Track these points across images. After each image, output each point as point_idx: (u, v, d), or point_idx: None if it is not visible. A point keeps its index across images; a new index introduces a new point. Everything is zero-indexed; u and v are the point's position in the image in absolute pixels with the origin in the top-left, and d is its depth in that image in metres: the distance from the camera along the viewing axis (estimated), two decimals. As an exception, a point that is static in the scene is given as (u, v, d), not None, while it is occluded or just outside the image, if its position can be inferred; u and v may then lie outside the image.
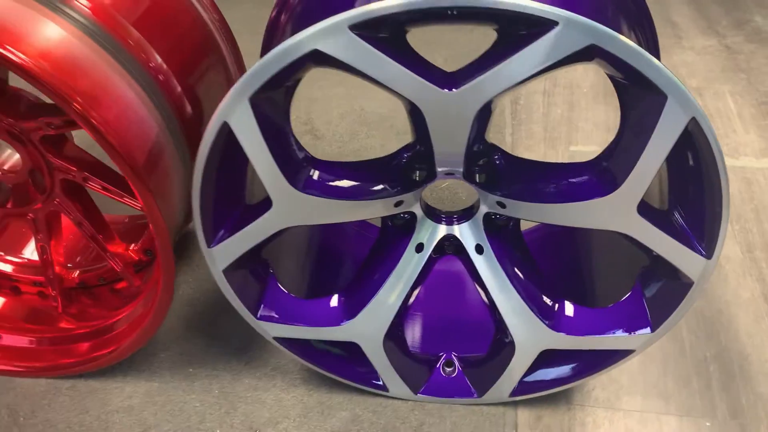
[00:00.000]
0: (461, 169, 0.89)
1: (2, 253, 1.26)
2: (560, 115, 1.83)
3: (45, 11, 0.92)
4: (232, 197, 0.93)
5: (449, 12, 0.71)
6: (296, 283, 1.07)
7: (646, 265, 0.95)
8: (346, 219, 0.93)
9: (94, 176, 1.05)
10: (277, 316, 1.03)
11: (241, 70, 1.19)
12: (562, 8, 0.69)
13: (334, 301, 1.03)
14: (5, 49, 0.81)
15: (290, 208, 0.88)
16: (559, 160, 1.67)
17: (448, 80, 0.76)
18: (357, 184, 0.91)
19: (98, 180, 1.05)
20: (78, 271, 1.22)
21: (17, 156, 1.15)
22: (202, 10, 1.14)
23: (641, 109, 0.77)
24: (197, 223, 0.92)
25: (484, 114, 0.80)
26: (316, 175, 0.89)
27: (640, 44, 0.80)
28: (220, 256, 0.95)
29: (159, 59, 1.01)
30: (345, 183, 0.91)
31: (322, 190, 0.89)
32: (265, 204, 0.90)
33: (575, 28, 0.70)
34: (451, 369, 1.12)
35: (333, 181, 0.90)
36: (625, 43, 0.70)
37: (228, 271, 0.97)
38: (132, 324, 1.09)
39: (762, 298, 1.27)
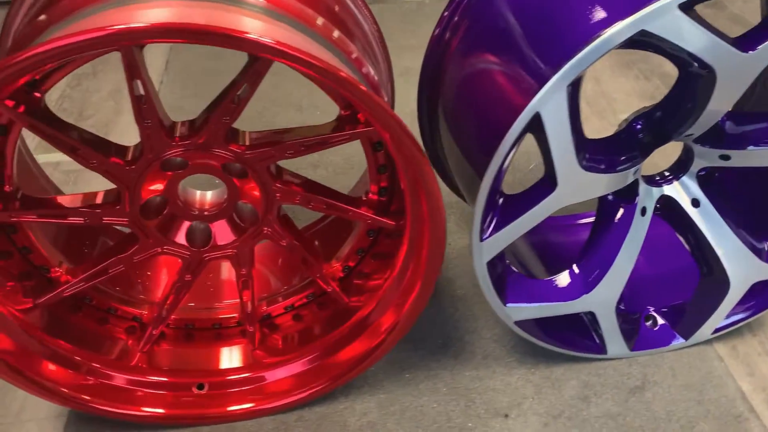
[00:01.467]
0: (701, 132, 0.99)
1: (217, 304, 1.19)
2: (592, 89, 1.97)
3: (273, 21, 0.90)
4: (498, 190, 0.97)
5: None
6: (529, 266, 1.11)
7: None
8: (603, 192, 1.00)
9: (318, 195, 1.04)
10: (521, 300, 1.07)
11: (387, 64, 1.22)
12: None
13: (569, 277, 1.09)
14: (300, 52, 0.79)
15: (572, 187, 0.94)
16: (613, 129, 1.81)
17: (743, 44, 0.85)
18: (615, 157, 0.98)
19: (321, 198, 1.04)
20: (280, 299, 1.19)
21: (208, 195, 1.09)
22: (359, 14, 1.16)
23: None
24: (477, 217, 0.94)
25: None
26: (587, 153, 0.95)
27: None
28: (488, 248, 0.98)
29: (356, 53, 1.02)
30: (608, 158, 0.97)
31: (593, 166, 0.95)
32: (546, 188, 0.94)
33: None
34: (651, 322, 1.21)
35: (599, 157, 0.96)
36: None
37: (489, 264, 1.00)
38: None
39: None
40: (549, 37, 0.90)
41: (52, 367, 1.05)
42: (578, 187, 0.95)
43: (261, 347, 1.16)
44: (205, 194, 1.10)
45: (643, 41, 0.83)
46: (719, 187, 1.10)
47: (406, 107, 1.35)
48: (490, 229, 0.97)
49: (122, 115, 1.87)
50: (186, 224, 1.06)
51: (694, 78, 0.89)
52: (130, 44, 0.82)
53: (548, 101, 0.84)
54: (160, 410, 1.10)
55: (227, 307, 1.22)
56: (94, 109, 1.90)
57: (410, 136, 0.87)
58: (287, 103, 1.81)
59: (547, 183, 0.93)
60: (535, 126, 0.87)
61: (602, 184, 0.98)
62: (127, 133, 1.78)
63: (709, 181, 1.10)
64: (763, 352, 1.22)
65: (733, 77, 0.87)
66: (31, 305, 1.05)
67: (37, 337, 1.05)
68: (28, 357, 1.02)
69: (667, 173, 1.10)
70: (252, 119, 0.94)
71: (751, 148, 1.02)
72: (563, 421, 1.11)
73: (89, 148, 0.93)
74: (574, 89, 0.86)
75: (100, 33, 0.75)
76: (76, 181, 1.66)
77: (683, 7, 0.80)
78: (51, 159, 1.75)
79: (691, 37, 0.82)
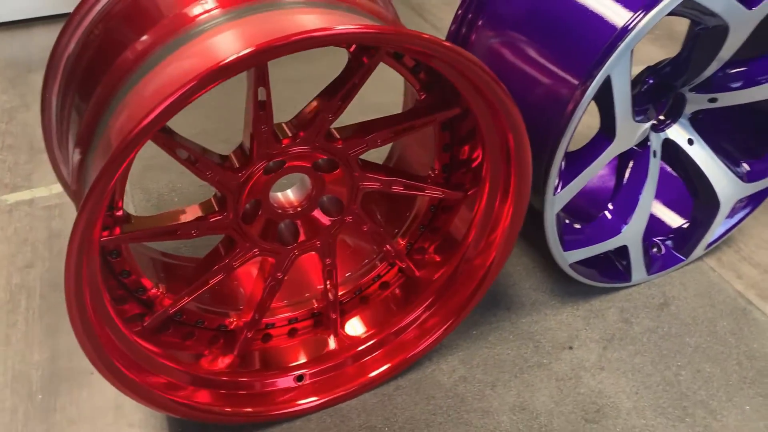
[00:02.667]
0: (701, 80, 1.20)
1: (285, 301, 1.22)
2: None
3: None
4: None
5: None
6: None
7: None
8: (638, 140, 1.18)
9: (397, 178, 1.13)
10: (576, 245, 1.24)
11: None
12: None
13: (607, 218, 1.27)
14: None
15: (625, 138, 1.11)
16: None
17: (747, 3, 1.06)
18: (641, 108, 1.17)
19: (401, 180, 1.13)
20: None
21: (290, 194, 1.14)
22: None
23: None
24: (553, 175, 1.09)
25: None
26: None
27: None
28: (559, 201, 1.13)
29: (383, 11, 1.09)
30: (641, 109, 1.16)
31: (639, 116, 1.13)
32: (605, 140, 1.11)
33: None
34: (656, 249, 1.43)
35: (639, 108, 1.14)
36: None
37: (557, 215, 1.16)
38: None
39: None
40: (604, 12, 1.05)
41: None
42: (628, 136, 1.12)
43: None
44: (287, 194, 1.15)
45: (683, 7, 1.01)
46: (707, 125, 1.33)
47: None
48: (560, 184, 1.12)
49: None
50: (275, 224, 1.11)
51: (709, 33, 1.10)
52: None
53: (617, 65, 1.00)
54: (261, 408, 1.13)
55: (296, 304, 1.27)
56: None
57: (495, 79, 0.94)
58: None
59: (606, 136, 1.10)
60: (603, 89, 1.03)
61: (639, 132, 1.16)
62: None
63: (696, 122, 1.32)
64: (741, 259, 1.48)
65: (739, 29, 1.09)
66: (140, 328, 1.05)
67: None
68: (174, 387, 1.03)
69: (664, 119, 1.31)
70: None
71: (733, 90, 1.25)
72: (616, 342, 1.30)
73: (206, 159, 0.96)
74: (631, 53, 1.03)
75: (253, 51, 0.78)
76: (62, 215, 1.60)
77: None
78: (23, 197, 1.67)
79: (717, 0, 1.02)
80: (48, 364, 1.24)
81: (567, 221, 1.24)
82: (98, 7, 1.04)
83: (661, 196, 1.44)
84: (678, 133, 1.31)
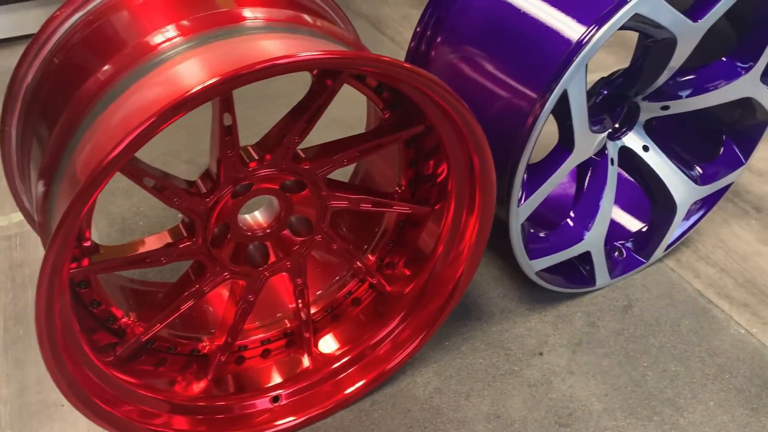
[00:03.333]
0: (653, 89, 1.25)
1: (258, 323, 1.22)
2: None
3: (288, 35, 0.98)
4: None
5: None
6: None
7: (737, 119, 1.41)
8: (596, 150, 1.22)
9: (365, 195, 1.14)
10: (541, 253, 1.27)
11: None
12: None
13: (569, 226, 1.31)
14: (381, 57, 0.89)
15: (583, 149, 1.14)
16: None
17: (692, 16, 1.11)
18: (597, 119, 1.21)
19: (369, 198, 1.15)
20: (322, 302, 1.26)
21: (258, 215, 1.15)
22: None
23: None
24: (517, 186, 1.12)
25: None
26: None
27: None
28: (524, 211, 1.16)
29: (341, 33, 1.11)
30: (599, 120, 1.19)
31: (597, 129, 1.17)
32: (564, 152, 1.14)
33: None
34: (618, 253, 1.47)
35: (595, 119, 1.18)
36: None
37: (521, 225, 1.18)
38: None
39: None
40: (558, 27, 1.08)
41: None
42: (586, 147, 1.16)
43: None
44: (256, 215, 1.15)
45: (634, 22, 1.05)
46: (661, 132, 1.37)
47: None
48: (524, 195, 1.14)
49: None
50: (244, 246, 1.11)
51: (658, 46, 1.14)
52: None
53: (573, 78, 1.03)
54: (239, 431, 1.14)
55: (269, 324, 1.27)
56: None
57: (456, 97, 0.96)
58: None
59: (565, 148, 1.13)
60: (561, 102, 1.06)
61: (596, 142, 1.20)
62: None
63: (652, 128, 1.37)
64: (699, 258, 1.53)
65: (687, 41, 1.13)
66: (112, 357, 1.04)
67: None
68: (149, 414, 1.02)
69: (620, 127, 1.36)
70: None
71: (684, 97, 1.29)
72: (584, 345, 1.33)
73: (173, 185, 0.96)
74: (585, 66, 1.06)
75: (219, 80, 0.79)
76: (23, 244, 1.57)
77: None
78: (-11, 224, 1.64)
79: (666, 14, 1.06)
80: (16, 398, 1.21)
81: (532, 230, 1.27)
82: (57, 36, 1.03)
83: (621, 201, 1.49)
84: (633, 141, 1.35)
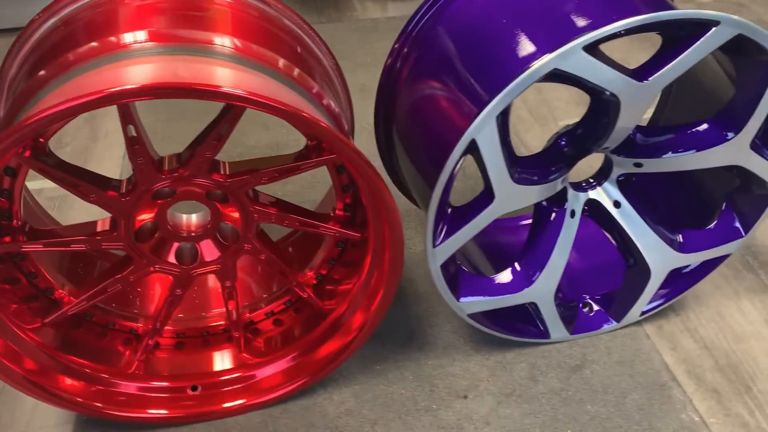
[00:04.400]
0: (615, 145, 1.16)
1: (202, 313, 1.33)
2: (534, 98, 2.15)
3: (242, 68, 1.05)
4: (447, 203, 1.13)
5: (641, 26, 0.98)
6: (478, 265, 1.28)
7: (736, 187, 1.28)
8: (536, 200, 1.17)
9: (290, 214, 1.19)
10: (472, 295, 1.24)
11: (346, 94, 1.36)
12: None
13: (512, 273, 1.26)
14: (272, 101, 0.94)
15: (507, 199, 1.10)
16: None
17: (639, 75, 1.03)
18: (544, 170, 1.15)
19: (295, 216, 1.19)
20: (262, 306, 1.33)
21: (193, 217, 1.24)
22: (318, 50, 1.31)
23: (757, 74, 1.09)
24: (429, 227, 1.10)
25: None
26: (518, 168, 1.12)
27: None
28: (441, 253, 1.14)
29: (316, 88, 1.17)
30: (539, 171, 1.14)
31: (525, 179, 1.12)
32: (485, 200, 1.11)
33: (730, 24, 1.00)
34: (588, 309, 1.39)
35: (530, 170, 1.13)
36: (759, 30, 1.02)
37: (443, 266, 1.16)
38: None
39: None
40: (481, 72, 1.06)
41: (68, 380, 1.18)
42: (512, 197, 1.11)
43: (247, 350, 1.30)
44: (191, 217, 1.24)
45: (559, 76, 1.00)
46: (636, 189, 1.28)
47: (363, 120, 1.51)
48: (442, 236, 1.13)
49: (98, 141, 1.99)
50: (175, 245, 1.20)
51: (603, 103, 1.07)
52: (124, 102, 0.96)
53: (482, 129, 1.00)
54: (162, 411, 1.24)
55: (214, 316, 1.36)
56: (71, 137, 2.01)
57: (368, 164, 1.03)
58: (256, 123, 1.95)
59: (487, 196, 1.10)
60: (473, 149, 1.03)
61: (534, 193, 1.15)
62: (104, 158, 1.91)
63: (627, 184, 1.27)
64: (684, 329, 1.41)
65: (633, 102, 1.05)
66: (39, 324, 1.18)
67: (51, 354, 1.18)
68: (46, 373, 1.16)
69: (591, 180, 1.28)
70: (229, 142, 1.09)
71: (659, 156, 1.19)
72: (514, 398, 1.28)
73: (88, 185, 1.07)
74: (503, 117, 1.03)
75: (98, 95, 0.88)
76: (60, 207, 1.78)
77: (587, 49, 0.97)
78: (34, 186, 1.87)
79: (596, 72, 0.99)
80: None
81: (466, 270, 1.25)
82: (35, 36, 1.18)
83: (597, 254, 1.40)
84: (603, 195, 1.27)
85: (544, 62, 0.96)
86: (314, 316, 1.29)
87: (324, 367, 1.26)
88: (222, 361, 1.30)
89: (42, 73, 1.05)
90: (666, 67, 1.02)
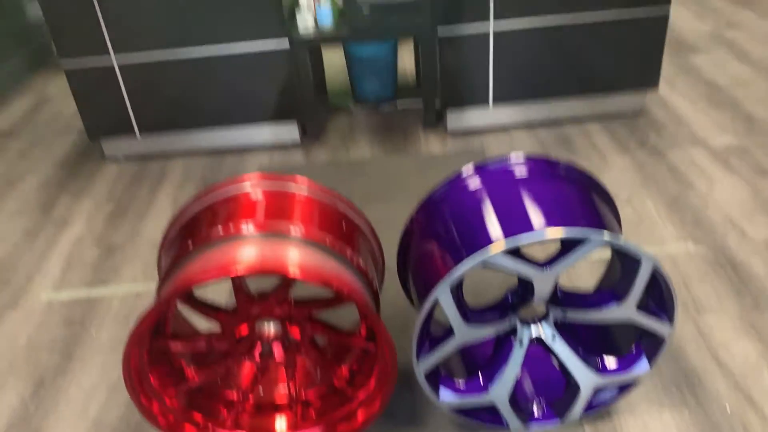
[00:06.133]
0: (544, 300, 1.76)
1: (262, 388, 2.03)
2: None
3: (305, 248, 1.75)
4: (426, 333, 1.76)
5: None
6: (453, 368, 1.90)
7: (640, 333, 1.83)
8: (491, 335, 1.78)
9: (328, 332, 1.86)
10: (450, 395, 1.85)
11: (381, 255, 2.04)
12: (590, 227, 1.58)
13: (476, 382, 1.86)
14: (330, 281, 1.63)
15: (464, 335, 1.73)
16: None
17: (544, 266, 1.64)
18: (496, 314, 1.77)
19: (332, 334, 1.86)
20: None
21: (271, 327, 1.94)
22: (359, 219, 2.00)
23: (628, 265, 1.67)
24: (414, 348, 1.74)
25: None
26: (473, 314, 1.74)
27: (619, 231, 1.71)
28: (423, 366, 1.77)
29: (354, 256, 1.85)
30: (487, 317, 1.76)
31: (476, 323, 1.74)
32: (449, 334, 1.73)
33: (597, 240, 1.59)
34: (539, 409, 1.95)
35: (482, 316, 1.75)
36: (625, 244, 1.61)
37: (426, 375, 1.79)
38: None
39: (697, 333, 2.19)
40: (448, 250, 1.70)
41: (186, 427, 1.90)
42: (468, 334, 1.73)
43: (301, 417, 1.97)
44: (270, 326, 1.95)
45: (491, 266, 1.63)
46: (568, 327, 1.86)
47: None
48: (423, 353, 1.76)
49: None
50: (259, 345, 1.91)
51: (523, 281, 1.68)
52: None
53: (442, 293, 1.64)
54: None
55: (280, 394, 2.05)
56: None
57: (389, 341, 1.67)
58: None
59: (450, 332, 1.73)
60: (436, 304, 1.67)
61: (488, 329, 1.76)
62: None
63: (561, 324, 1.86)
64: (618, 428, 1.94)
65: (542, 281, 1.65)
66: (175, 393, 1.90)
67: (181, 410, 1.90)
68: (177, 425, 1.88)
69: (535, 319, 1.87)
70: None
71: (576, 309, 1.78)
72: (477, 468, 1.86)
73: (223, 315, 1.79)
74: (457, 286, 1.66)
75: (223, 272, 1.60)
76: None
77: (508, 252, 1.60)
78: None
79: (514, 267, 1.61)
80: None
81: (444, 374, 1.86)
82: (185, 216, 1.95)
83: (548, 368, 1.97)
84: (542, 330, 1.86)
85: (490, 255, 1.59)
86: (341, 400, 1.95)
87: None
88: (280, 423, 1.98)
89: (189, 242, 1.80)
90: (561, 263, 1.63)
